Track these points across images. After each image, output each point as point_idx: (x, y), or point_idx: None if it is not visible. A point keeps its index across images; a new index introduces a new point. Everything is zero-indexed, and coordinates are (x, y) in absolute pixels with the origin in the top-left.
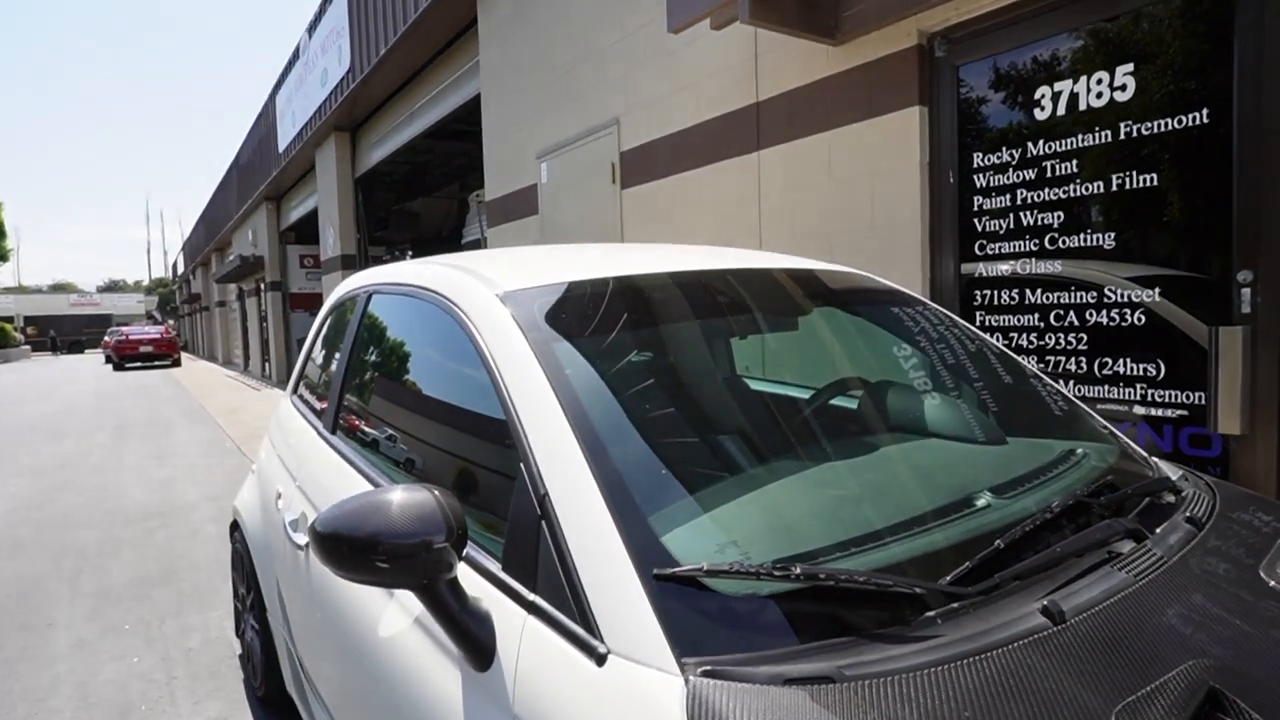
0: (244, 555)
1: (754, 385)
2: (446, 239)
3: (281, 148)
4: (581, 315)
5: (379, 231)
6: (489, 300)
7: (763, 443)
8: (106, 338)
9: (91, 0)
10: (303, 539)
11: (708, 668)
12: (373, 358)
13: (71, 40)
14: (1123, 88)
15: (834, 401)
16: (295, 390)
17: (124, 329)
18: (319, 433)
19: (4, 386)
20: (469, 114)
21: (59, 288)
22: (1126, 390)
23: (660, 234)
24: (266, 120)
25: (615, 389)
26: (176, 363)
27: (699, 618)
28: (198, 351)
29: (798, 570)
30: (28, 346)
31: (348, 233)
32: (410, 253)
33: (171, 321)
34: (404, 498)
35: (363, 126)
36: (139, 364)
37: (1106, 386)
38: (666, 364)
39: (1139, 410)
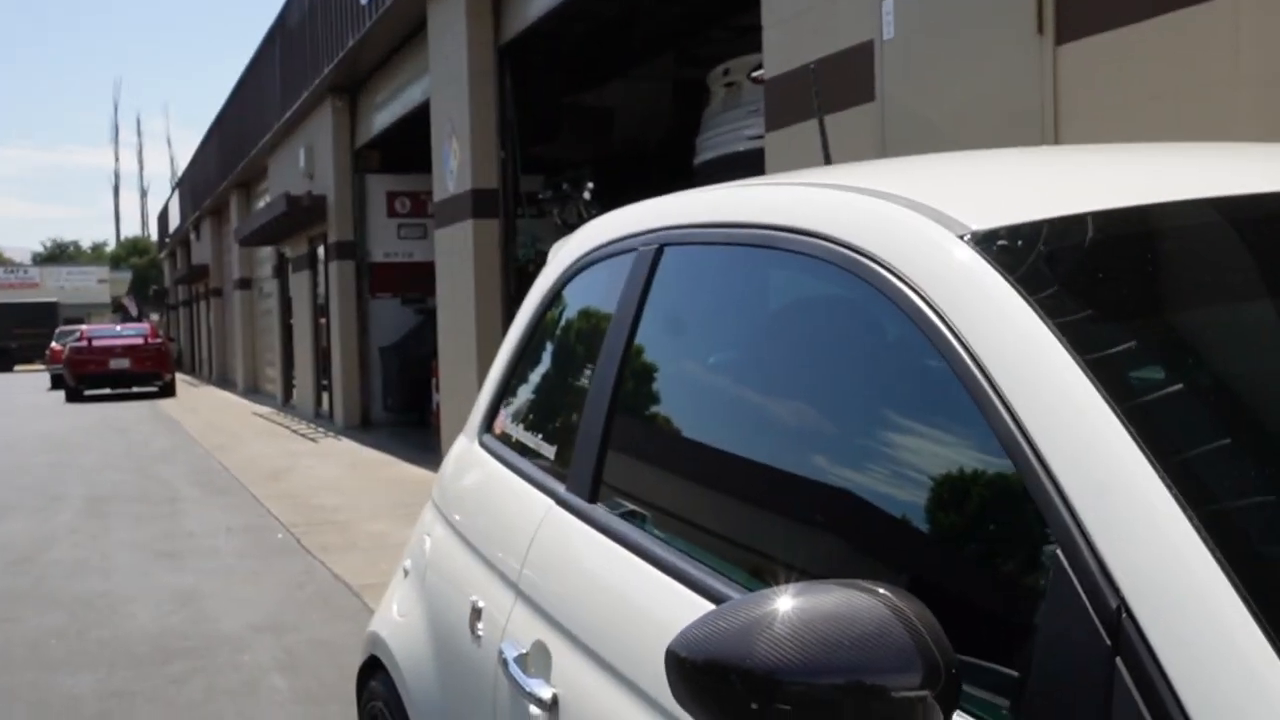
0: None
1: None
2: (658, 156)
3: None
4: (1146, 276)
5: (537, 146)
6: (947, 248)
7: None
8: (55, 344)
9: None
10: (543, 688)
11: None
12: (675, 367)
13: None
14: None
15: None
16: (489, 427)
17: (83, 328)
18: (561, 502)
19: None
20: None
21: None
22: None
23: (1140, 135)
24: None
25: (1243, 413)
26: (168, 388)
27: None
28: (198, 369)
29: None
30: None
31: (484, 148)
32: (591, 185)
33: (157, 316)
34: (834, 604)
35: None
36: (107, 389)
37: None
38: None
39: None
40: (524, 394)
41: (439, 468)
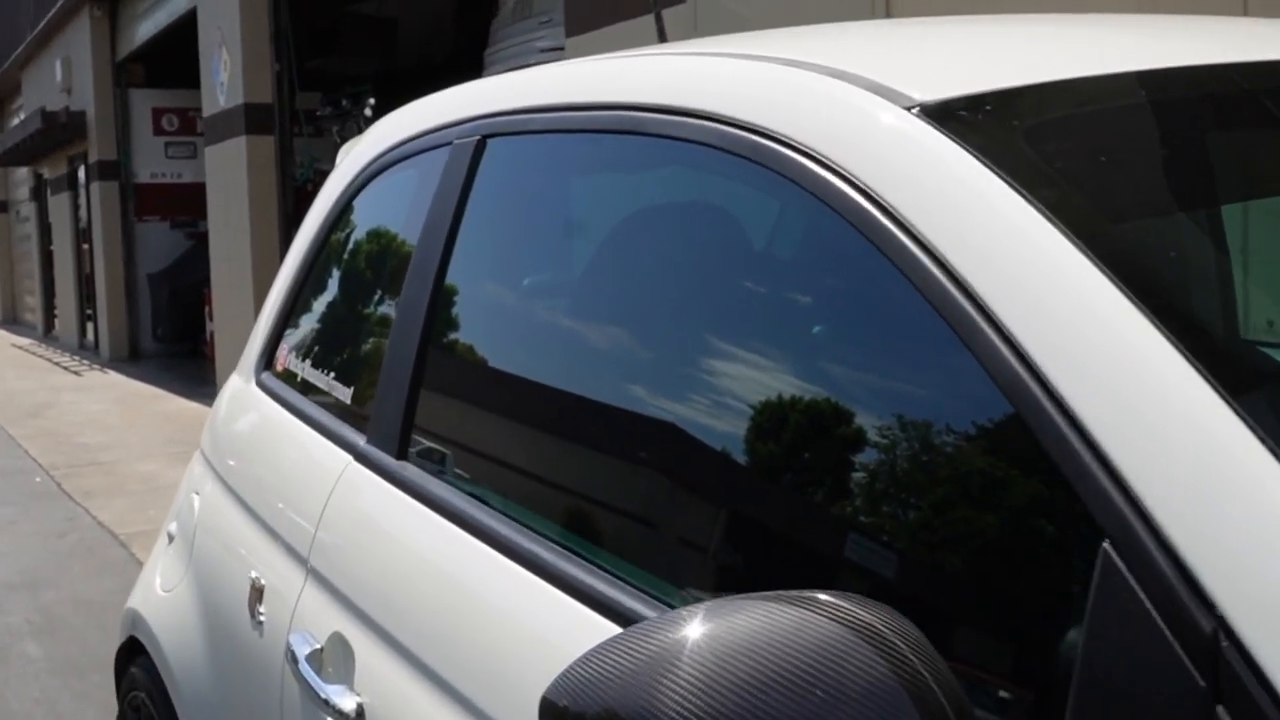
0: (158, 715)
1: None
2: (443, 71)
3: None
4: (1144, 154)
5: (315, 59)
6: (898, 124)
7: None
8: None
9: None
10: (344, 697)
11: None
12: (504, 290)
13: None
14: None
15: None
16: (269, 363)
17: None
18: (360, 457)
19: None
20: None
21: None
22: None
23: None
24: None
25: None
26: None
27: None
28: None
29: None
30: None
31: (257, 60)
32: (372, 101)
33: None
34: (771, 627)
35: None
36: None
37: None
38: None
39: None
40: (310, 325)
41: (212, 401)
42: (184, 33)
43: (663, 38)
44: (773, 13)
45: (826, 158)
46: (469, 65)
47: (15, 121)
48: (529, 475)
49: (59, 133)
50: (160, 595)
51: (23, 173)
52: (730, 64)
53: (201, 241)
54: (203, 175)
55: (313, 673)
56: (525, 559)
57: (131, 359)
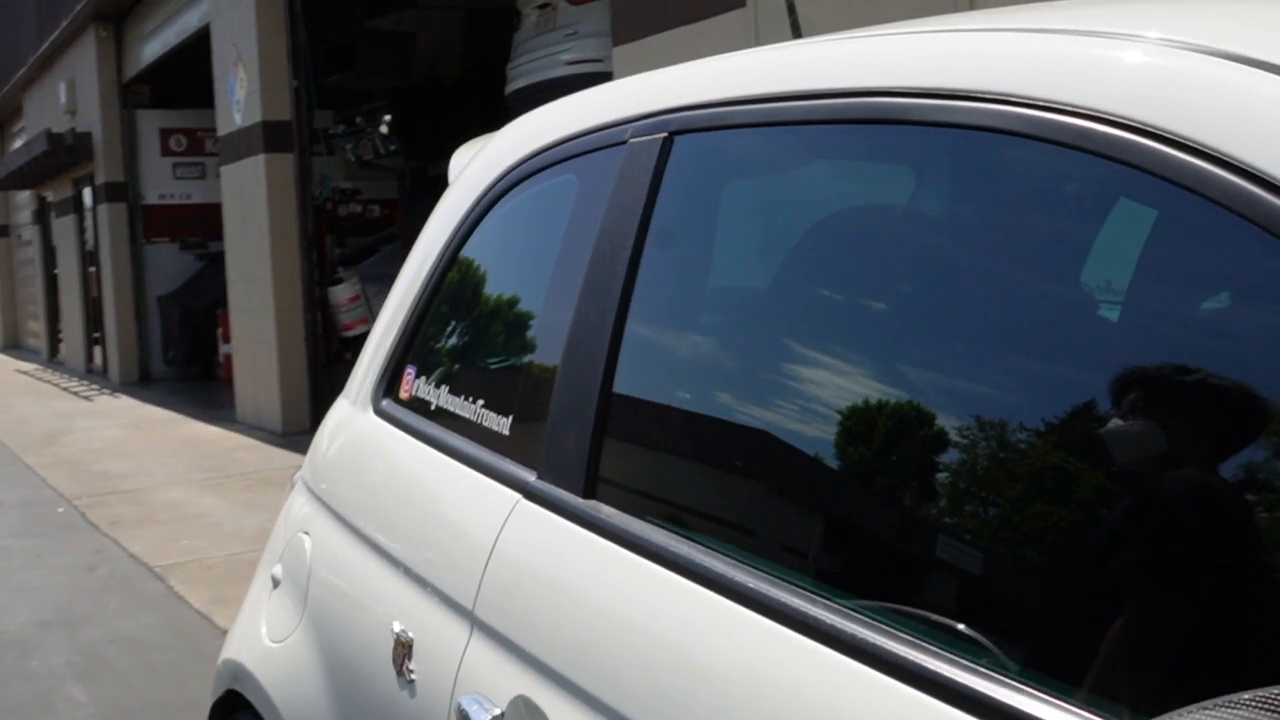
0: None
1: None
2: (462, 88)
3: None
4: None
5: (332, 75)
6: None
7: None
8: None
9: None
10: None
11: None
12: (725, 313)
13: None
14: None
15: None
16: (391, 390)
17: None
18: (532, 495)
19: None
20: None
21: None
22: None
23: None
24: None
25: None
26: None
27: None
28: None
29: None
30: None
31: (275, 77)
32: (388, 118)
33: None
34: None
35: None
36: None
37: None
38: None
39: None
40: (446, 348)
41: (231, 425)
42: (191, 53)
43: (796, 32)
44: (839, 15)
45: (1207, 146)
46: (488, 81)
47: (17, 144)
48: (748, 511)
49: (65, 155)
50: (269, 646)
51: (24, 196)
52: (1033, 39)
53: (212, 262)
54: (212, 195)
55: None
56: (759, 603)
57: (142, 383)
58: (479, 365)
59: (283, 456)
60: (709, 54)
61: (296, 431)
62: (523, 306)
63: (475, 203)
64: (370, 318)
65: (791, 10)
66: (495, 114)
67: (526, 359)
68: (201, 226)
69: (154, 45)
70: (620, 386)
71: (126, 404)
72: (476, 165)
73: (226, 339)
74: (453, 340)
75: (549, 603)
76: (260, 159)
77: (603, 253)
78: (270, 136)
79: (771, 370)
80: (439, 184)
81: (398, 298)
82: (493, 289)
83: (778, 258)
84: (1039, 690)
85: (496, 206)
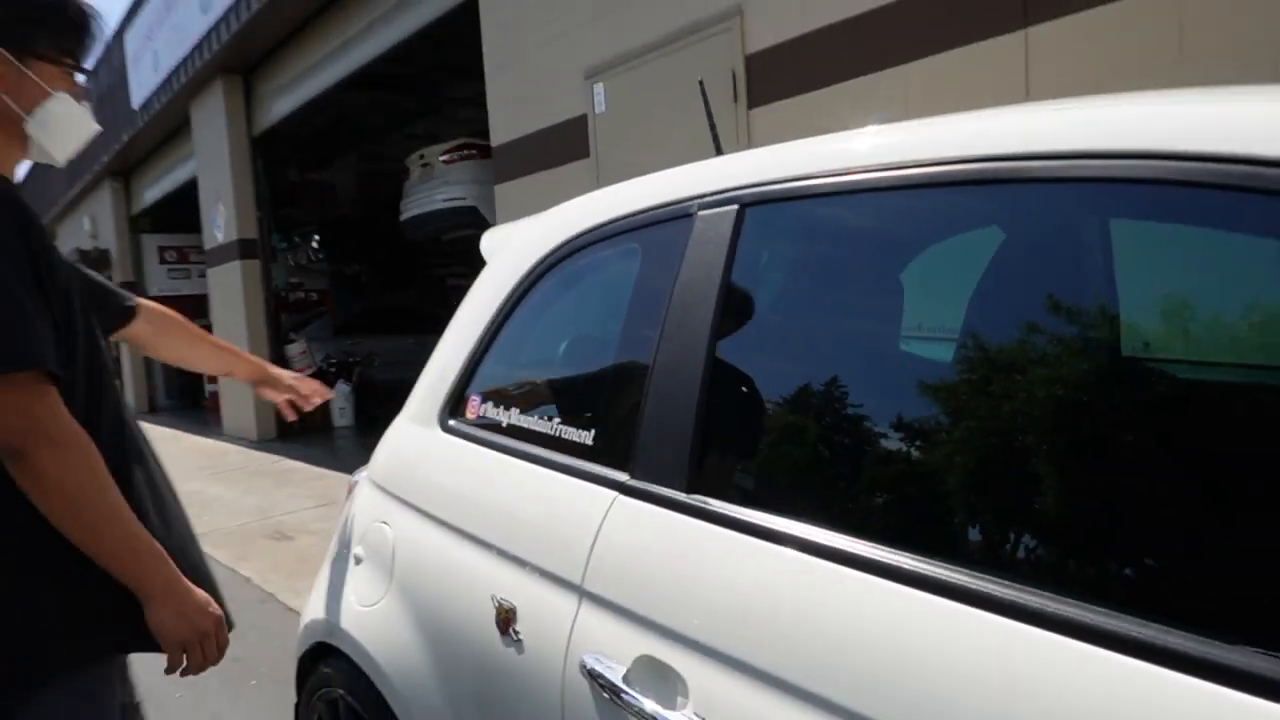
0: (364, 712)
1: None
2: (368, 218)
3: (137, 102)
4: None
5: (281, 209)
6: None
7: None
8: None
9: None
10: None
11: None
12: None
13: None
14: None
15: None
16: (456, 412)
17: None
18: (631, 491)
19: None
20: (404, 52)
21: None
22: None
23: None
24: (109, 67)
25: None
26: None
27: None
28: None
29: None
30: None
31: (245, 209)
32: (317, 237)
33: None
34: None
35: (260, 69)
36: None
37: None
38: None
39: None
40: (515, 378)
41: (221, 437)
42: (178, 195)
43: (715, 138)
44: (660, 164)
45: None
46: (384, 213)
47: None
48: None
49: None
50: (359, 610)
51: None
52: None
53: None
54: (196, 289)
55: (638, 696)
56: (866, 564)
57: (150, 412)
58: (556, 390)
59: (260, 456)
60: (564, 192)
61: (267, 439)
62: (597, 344)
63: (532, 269)
64: (313, 364)
65: (713, 128)
66: (389, 234)
67: (605, 384)
68: (188, 310)
69: (153, 191)
70: (713, 405)
71: (143, 425)
72: (529, 240)
73: (212, 380)
74: (523, 371)
75: (667, 578)
76: (237, 264)
77: (685, 303)
78: (244, 249)
79: (854, 391)
80: (355, 279)
81: (453, 342)
82: (560, 332)
83: (839, 297)
84: None
85: (553, 270)
